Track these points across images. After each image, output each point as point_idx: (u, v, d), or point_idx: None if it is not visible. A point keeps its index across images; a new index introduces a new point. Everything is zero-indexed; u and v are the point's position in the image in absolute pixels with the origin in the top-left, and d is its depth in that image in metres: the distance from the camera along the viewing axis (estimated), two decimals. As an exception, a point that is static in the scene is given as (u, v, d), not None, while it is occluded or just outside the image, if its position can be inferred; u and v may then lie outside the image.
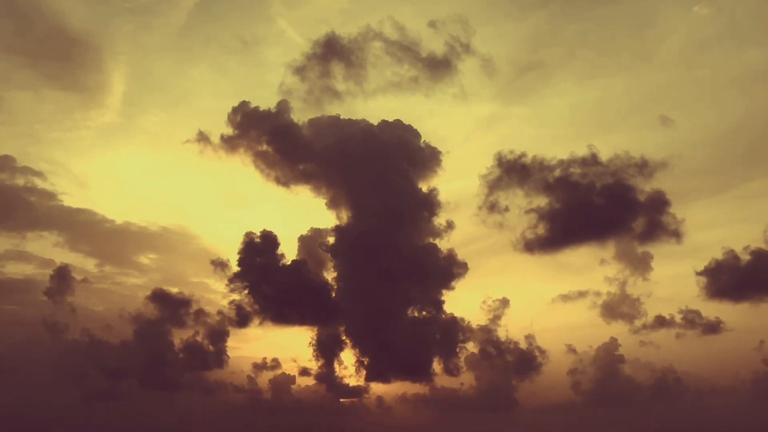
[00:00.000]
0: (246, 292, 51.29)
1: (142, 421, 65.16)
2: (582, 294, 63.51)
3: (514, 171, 53.84)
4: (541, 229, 52.89)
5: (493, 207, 54.35)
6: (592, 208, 51.46)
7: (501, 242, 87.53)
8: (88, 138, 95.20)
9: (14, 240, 75.06)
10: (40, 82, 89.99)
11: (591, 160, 52.16)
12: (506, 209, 54.33)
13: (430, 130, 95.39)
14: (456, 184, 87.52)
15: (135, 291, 79.96)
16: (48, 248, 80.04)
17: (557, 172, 52.85)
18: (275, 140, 53.28)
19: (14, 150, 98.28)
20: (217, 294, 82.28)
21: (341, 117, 52.91)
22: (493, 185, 54.43)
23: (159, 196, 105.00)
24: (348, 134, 50.80)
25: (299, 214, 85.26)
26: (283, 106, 52.90)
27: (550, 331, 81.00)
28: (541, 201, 53.04)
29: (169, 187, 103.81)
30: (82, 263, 78.98)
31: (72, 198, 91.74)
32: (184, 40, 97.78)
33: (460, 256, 52.78)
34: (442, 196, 52.47)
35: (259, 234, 51.43)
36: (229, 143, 54.13)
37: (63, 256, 79.70)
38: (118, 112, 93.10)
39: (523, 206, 53.74)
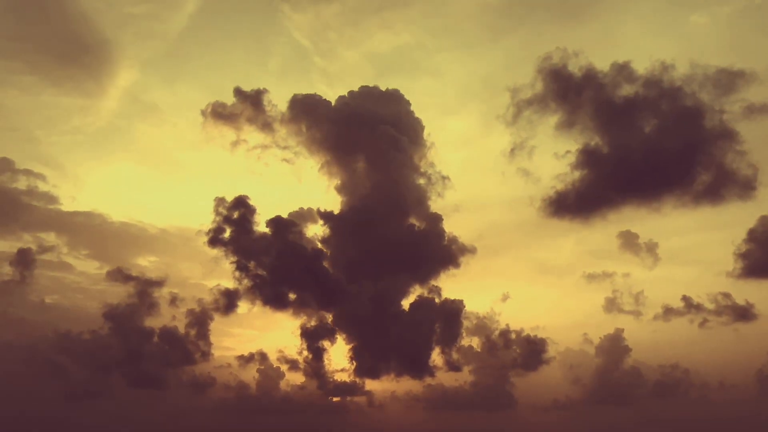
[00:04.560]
0: (231, 260, 48.40)
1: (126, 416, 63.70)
2: (605, 275, 62.11)
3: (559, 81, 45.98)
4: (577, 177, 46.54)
5: (514, 151, 49.97)
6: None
7: (503, 241, 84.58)
8: (88, 141, 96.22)
9: (12, 242, 73.38)
10: (41, 86, 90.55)
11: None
12: (532, 150, 49.84)
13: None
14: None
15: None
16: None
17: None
18: (261, 126, 51.78)
19: (14, 153, 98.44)
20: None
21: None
22: (522, 105, 47.65)
23: (158, 199, 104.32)
24: (331, 109, 49.08)
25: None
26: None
27: (558, 325, 79.48)
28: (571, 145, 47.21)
29: (167, 190, 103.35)
30: (83, 265, 77.96)
31: (72, 201, 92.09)
32: (185, 45, 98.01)
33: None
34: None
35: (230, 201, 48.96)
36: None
37: (63, 258, 77.94)
38: (117, 116, 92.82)
39: (553, 151, 48.16)
